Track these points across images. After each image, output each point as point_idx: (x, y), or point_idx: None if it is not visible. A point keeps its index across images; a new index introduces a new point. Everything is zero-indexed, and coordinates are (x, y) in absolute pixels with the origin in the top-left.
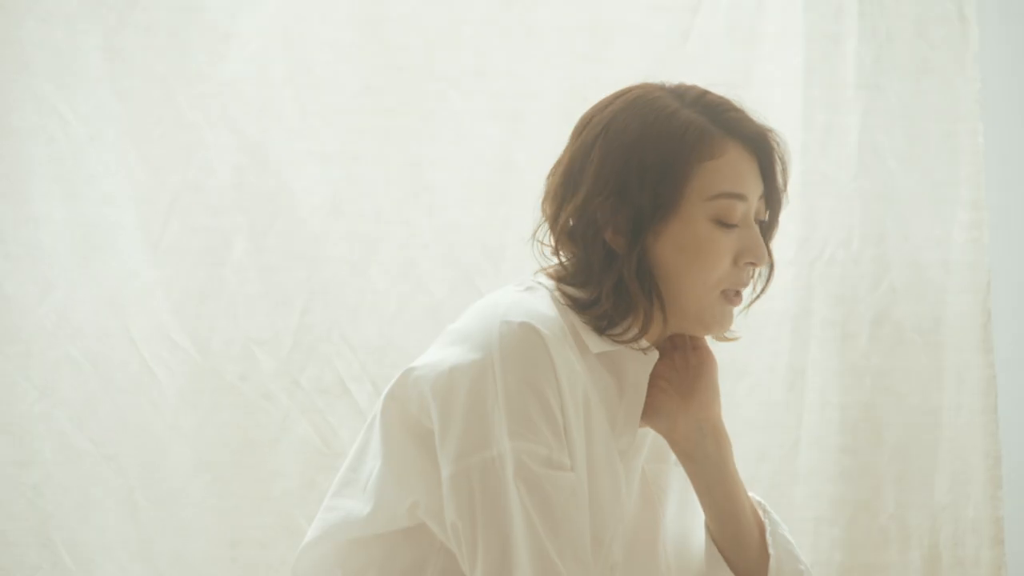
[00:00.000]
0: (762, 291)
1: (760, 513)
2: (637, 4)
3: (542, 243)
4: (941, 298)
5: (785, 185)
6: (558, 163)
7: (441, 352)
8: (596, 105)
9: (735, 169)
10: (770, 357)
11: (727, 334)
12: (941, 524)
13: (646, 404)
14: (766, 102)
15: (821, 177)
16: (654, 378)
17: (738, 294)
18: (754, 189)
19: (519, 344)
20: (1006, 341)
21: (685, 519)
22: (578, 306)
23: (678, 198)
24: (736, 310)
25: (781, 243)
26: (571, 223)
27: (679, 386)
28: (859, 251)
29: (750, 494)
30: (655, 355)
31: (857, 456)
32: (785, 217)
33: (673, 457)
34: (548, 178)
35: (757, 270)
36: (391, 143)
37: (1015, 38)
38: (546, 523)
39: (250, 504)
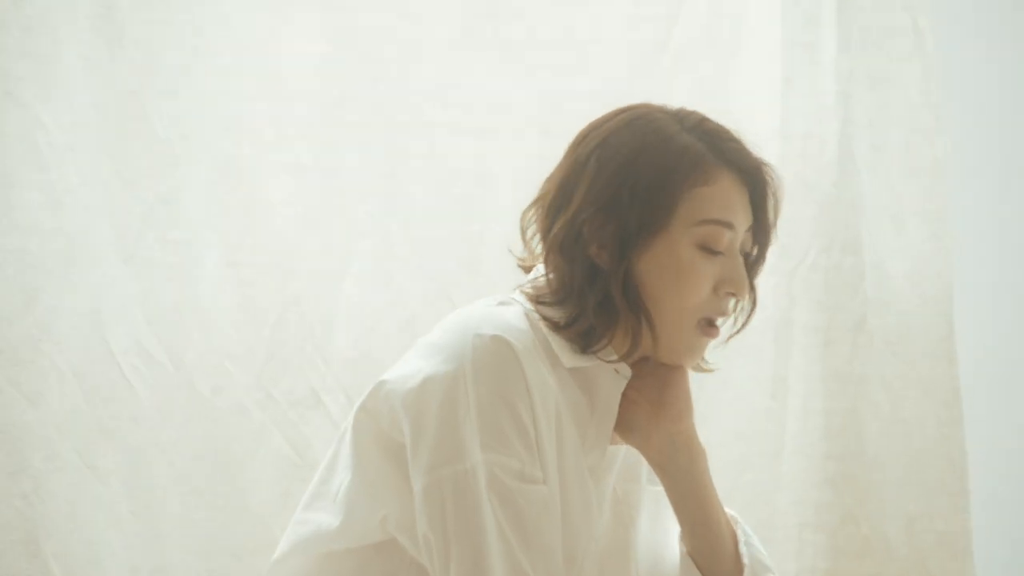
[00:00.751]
0: (743, 326)
1: (735, 527)
2: (614, 15)
3: (517, 257)
4: (907, 309)
5: (775, 221)
6: (552, 176)
7: (413, 364)
8: (595, 121)
9: (726, 198)
10: (753, 366)
11: (703, 364)
12: (913, 535)
13: (619, 419)
14: (745, 112)
15: (803, 184)
16: (625, 389)
17: (714, 325)
18: (743, 220)
19: (491, 357)
20: (970, 353)
21: (657, 539)
22: (558, 326)
23: (666, 220)
24: (712, 343)
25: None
26: (560, 236)
27: (650, 398)
28: (840, 259)
29: (727, 510)
30: (628, 375)
31: (841, 463)
32: None
33: (644, 478)
34: (540, 191)
35: (737, 302)
36: (366, 156)
37: (971, 49)
38: (519, 537)
39: (226, 517)
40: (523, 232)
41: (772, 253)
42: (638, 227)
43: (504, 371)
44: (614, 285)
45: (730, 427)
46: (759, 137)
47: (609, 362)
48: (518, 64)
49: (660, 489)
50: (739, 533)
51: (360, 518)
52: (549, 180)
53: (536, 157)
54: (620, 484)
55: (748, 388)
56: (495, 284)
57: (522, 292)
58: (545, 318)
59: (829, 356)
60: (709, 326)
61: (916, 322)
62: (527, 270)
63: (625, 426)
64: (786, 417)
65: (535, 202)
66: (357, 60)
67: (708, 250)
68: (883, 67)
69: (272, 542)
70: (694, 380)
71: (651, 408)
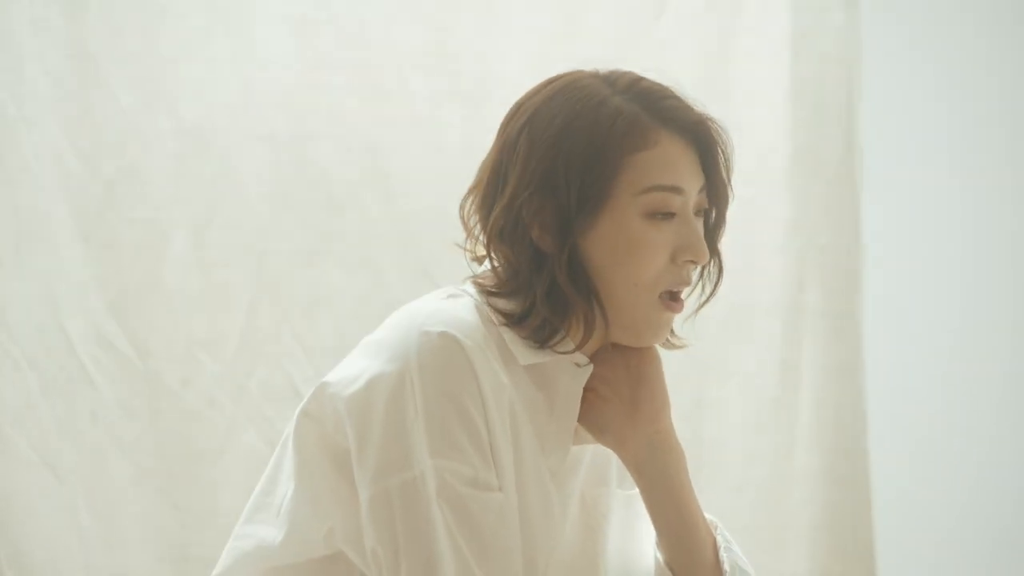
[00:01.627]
0: (710, 295)
1: (715, 535)
2: None
3: (466, 250)
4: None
5: (729, 178)
6: (485, 160)
7: (357, 365)
8: (525, 94)
9: (669, 160)
10: (761, 352)
11: (675, 341)
12: None
13: (589, 418)
14: (749, 78)
15: (813, 155)
16: (593, 380)
17: (677, 299)
18: (692, 182)
19: (439, 355)
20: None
21: (630, 546)
22: (512, 321)
23: (606, 193)
24: (678, 318)
25: (770, 228)
26: (500, 223)
27: (623, 394)
28: (850, 239)
29: (707, 515)
30: (589, 368)
31: (849, 459)
32: (774, 200)
33: (614, 480)
34: (475, 177)
35: (698, 268)
36: (344, 125)
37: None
38: (473, 547)
39: (195, 518)
40: (464, 223)
41: (779, 232)
42: (578, 204)
43: (453, 370)
44: (558, 270)
45: (737, 418)
46: (765, 102)
47: (566, 353)
48: (507, 28)
49: (632, 493)
50: (719, 539)
51: (304, 531)
52: (483, 165)
53: None
54: (588, 489)
55: (755, 377)
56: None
57: (474, 283)
58: (498, 311)
59: (841, 343)
60: (672, 300)
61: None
62: (480, 260)
63: (597, 426)
64: (798, 409)
65: (471, 190)
66: (336, 22)
67: (657, 217)
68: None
69: None
70: (689, 367)
71: (624, 407)
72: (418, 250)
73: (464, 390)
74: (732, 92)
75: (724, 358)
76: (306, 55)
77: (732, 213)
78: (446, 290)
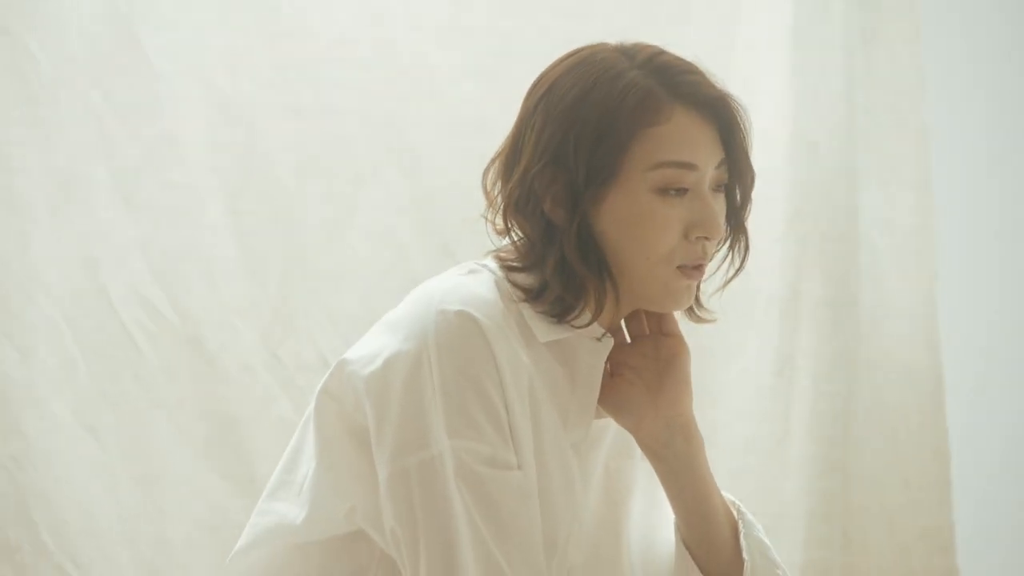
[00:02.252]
0: (739, 269)
1: (734, 513)
2: None
3: (488, 220)
4: (890, 287)
5: (748, 155)
6: (510, 132)
7: (375, 343)
8: (548, 66)
9: (683, 136)
10: (759, 340)
11: (703, 315)
12: (896, 529)
13: (611, 397)
14: (752, 63)
15: (810, 145)
16: (619, 367)
17: (698, 268)
18: (708, 158)
19: (456, 334)
20: (955, 337)
21: (652, 518)
22: (530, 296)
23: (616, 167)
24: (708, 290)
25: (769, 215)
26: (516, 194)
27: (647, 378)
28: (845, 227)
29: (724, 494)
30: (610, 342)
31: (844, 449)
32: (774, 187)
33: (639, 452)
34: (500, 147)
35: (718, 244)
36: (367, 98)
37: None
38: (492, 527)
39: (232, 486)
40: (487, 193)
41: (779, 221)
42: (587, 177)
43: (470, 349)
44: (567, 243)
45: (734, 405)
46: (764, 90)
47: (583, 327)
48: (524, 5)
49: None
50: (740, 525)
51: (326, 509)
52: (507, 137)
53: None
54: (612, 460)
55: (753, 365)
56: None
57: (495, 258)
58: (517, 285)
59: (838, 333)
60: (691, 269)
61: (899, 302)
62: (501, 234)
63: (616, 406)
64: (793, 398)
65: (493, 160)
66: None
67: (669, 193)
68: (874, 25)
69: None
70: (696, 355)
71: (647, 389)
72: (435, 225)
73: (481, 369)
74: (731, 79)
75: (723, 345)
76: (329, 26)
77: None
78: (466, 265)
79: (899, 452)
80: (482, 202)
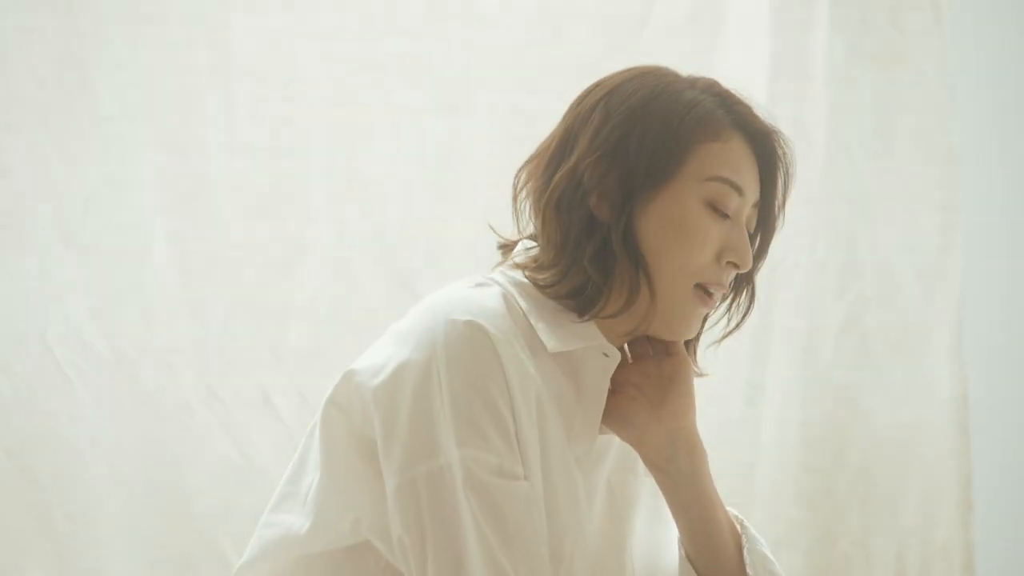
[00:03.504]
0: (739, 323)
1: (738, 528)
2: None
3: (499, 234)
4: (911, 307)
5: (784, 203)
6: (551, 134)
7: (383, 353)
8: (600, 79)
9: (736, 160)
10: (727, 369)
11: (698, 370)
12: (908, 549)
13: (614, 412)
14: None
15: None
16: (622, 384)
17: (711, 295)
18: (751, 190)
19: (465, 344)
20: (979, 353)
21: (656, 533)
22: (552, 287)
23: (674, 170)
24: (703, 341)
25: None
26: (561, 186)
27: (649, 394)
28: (825, 257)
29: (728, 508)
30: (617, 358)
31: (819, 476)
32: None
33: (642, 467)
34: (537, 148)
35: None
36: (321, 136)
37: (987, 29)
38: (499, 536)
39: (169, 523)
40: (515, 193)
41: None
42: (644, 176)
43: (479, 359)
44: (615, 234)
45: (703, 435)
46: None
47: (608, 318)
48: (487, 37)
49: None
50: (744, 539)
51: (331, 520)
52: (548, 138)
53: (507, 136)
54: (616, 474)
55: (720, 393)
56: (461, 274)
57: (509, 265)
58: (537, 282)
59: (810, 362)
60: (705, 294)
61: (921, 322)
62: (507, 248)
63: (620, 421)
64: (760, 426)
65: (530, 159)
66: (313, 33)
67: (715, 210)
68: (895, 45)
69: (218, 551)
70: None
71: (650, 404)
72: (395, 260)
73: (490, 379)
74: None
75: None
76: (283, 66)
77: None
78: (474, 278)
79: (918, 470)
80: (442, 236)
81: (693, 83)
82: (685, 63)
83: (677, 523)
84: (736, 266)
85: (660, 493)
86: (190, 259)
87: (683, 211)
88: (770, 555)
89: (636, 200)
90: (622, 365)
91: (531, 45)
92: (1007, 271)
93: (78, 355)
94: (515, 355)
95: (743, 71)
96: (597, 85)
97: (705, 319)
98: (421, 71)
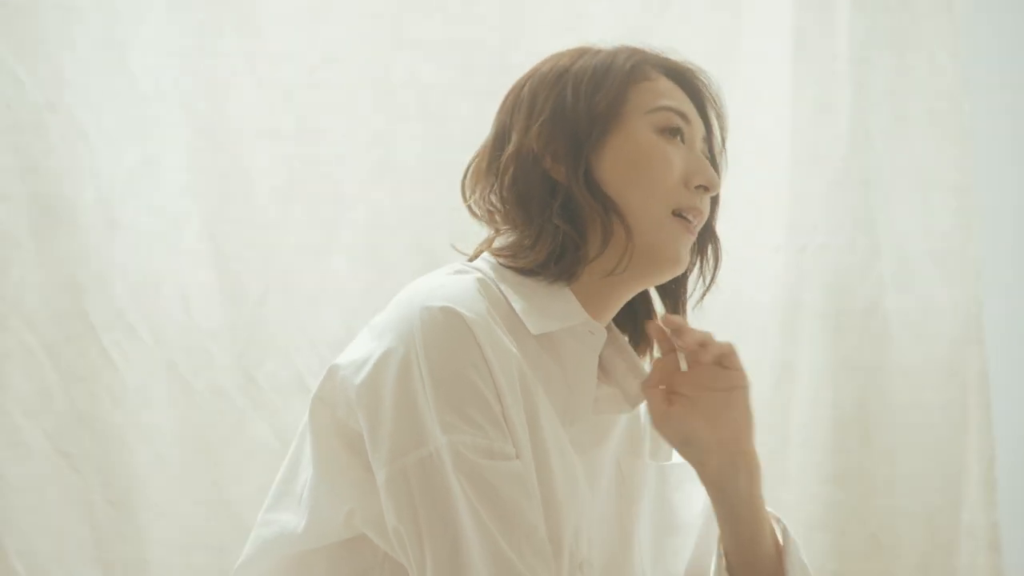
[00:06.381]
0: (711, 282)
1: (778, 534)
2: None
3: (460, 252)
4: (930, 289)
5: (724, 139)
6: (485, 139)
7: (364, 347)
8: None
9: (670, 91)
10: (756, 351)
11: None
12: (934, 530)
13: (673, 431)
14: (752, 76)
15: (811, 157)
16: (673, 395)
17: (690, 222)
18: (695, 117)
19: (442, 329)
20: (998, 334)
21: (663, 519)
22: (528, 257)
23: (616, 111)
24: (691, 308)
25: (769, 227)
26: (512, 165)
27: (706, 410)
28: (852, 238)
29: (769, 510)
30: (603, 335)
31: (850, 457)
32: (773, 199)
33: (647, 450)
34: (477, 152)
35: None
36: (353, 119)
37: (998, 13)
38: (495, 517)
39: (205, 508)
40: (467, 196)
41: (778, 232)
42: (589, 125)
43: (457, 344)
44: (575, 186)
45: None
46: (770, 97)
47: (592, 262)
48: (517, 21)
49: (666, 464)
50: (785, 547)
51: (325, 516)
52: (483, 143)
53: None
54: (625, 458)
55: (751, 375)
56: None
57: (486, 254)
58: (515, 267)
59: (839, 343)
60: (685, 220)
61: (940, 303)
62: (488, 220)
63: (681, 441)
64: (792, 407)
65: (469, 166)
66: (344, 15)
67: (668, 134)
68: (907, 27)
69: None
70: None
71: (708, 423)
72: (425, 243)
73: (469, 362)
74: (734, 90)
75: None
76: (313, 49)
77: (733, 211)
78: (452, 266)
79: (941, 451)
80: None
81: (604, 47)
82: (708, 45)
83: (723, 529)
84: (706, 188)
85: (667, 479)
86: (223, 243)
87: (637, 143)
88: (807, 562)
89: (588, 150)
90: (674, 371)
91: (559, 28)
92: (1022, 251)
93: (123, 337)
94: (494, 336)
95: (767, 53)
96: (520, 80)
97: (686, 276)
98: (451, 54)
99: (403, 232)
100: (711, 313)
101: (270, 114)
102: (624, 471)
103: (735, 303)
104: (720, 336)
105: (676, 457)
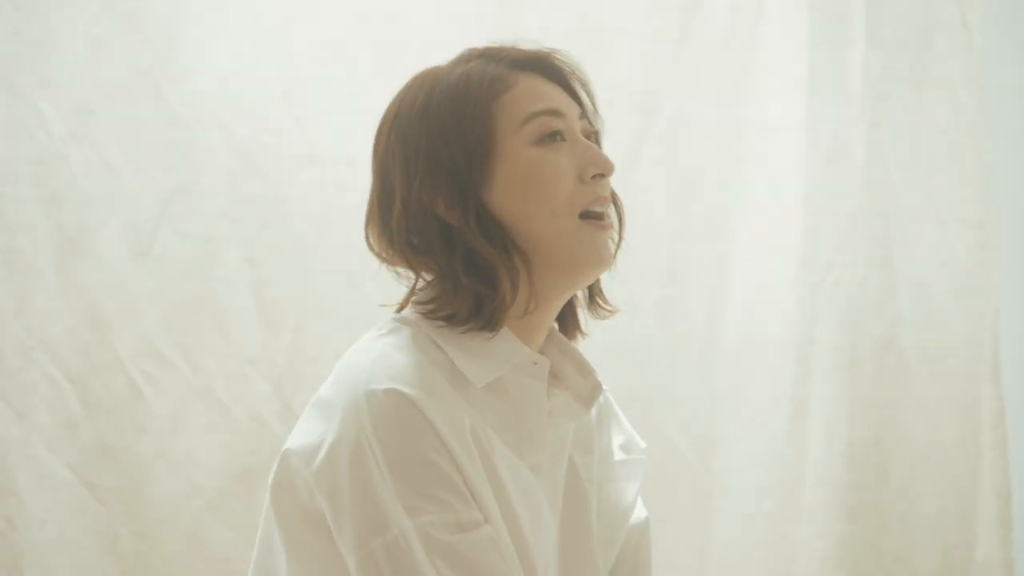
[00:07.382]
0: (620, 238)
1: None
2: (630, 5)
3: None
4: (947, 325)
5: (595, 105)
6: (371, 192)
7: (315, 431)
8: (383, 115)
9: (533, 91)
10: (771, 387)
11: (605, 305)
12: (949, 566)
13: None
14: (767, 113)
15: (825, 193)
16: None
17: (600, 215)
18: (567, 105)
19: (391, 414)
20: (1015, 371)
21: (612, 501)
22: (451, 316)
23: (489, 140)
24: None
25: (782, 263)
26: (404, 222)
27: None
28: (865, 274)
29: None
30: (546, 363)
31: (865, 493)
32: (787, 235)
33: (597, 449)
34: (367, 212)
35: (607, 182)
36: None
37: (1018, 47)
38: None
39: (242, 537)
40: (379, 255)
41: (792, 267)
42: (467, 161)
43: (407, 426)
44: (468, 231)
45: (748, 451)
46: (784, 134)
47: (510, 310)
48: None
49: (620, 460)
50: None
51: None
52: (369, 196)
53: None
54: (578, 455)
55: (766, 411)
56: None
57: (412, 305)
58: (438, 319)
59: (854, 378)
60: (594, 217)
61: (957, 339)
62: (411, 268)
63: None
64: (807, 443)
65: (366, 223)
66: (374, 46)
67: (548, 141)
68: (927, 65)
69: None
70: (701, 400)
71: None
72: None
73: (424, 442)
74: (748, 126)
75: (736, 391)
76: (347, 77)
77: (748, 246)
78: (385, 324)
79: (957, 488)
80: None
81: (455, 63)
82: (723, 80)
83: None
84: (602, 175)
85: (617, 477)
86: (260, 269)
87: (521, 165)
88: None
89: (476, 187)
90: None
91: (583, 46)
92: None
93: (152, 367)
94: (441, 408)
95: (781, 90)
96: (382, 123)
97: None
98: None
99: None
100: (726, 349)
101: (305, 140)
102: (576, 465)
103: (750, 339)
104: (735, 372)
105: (619, 454)
